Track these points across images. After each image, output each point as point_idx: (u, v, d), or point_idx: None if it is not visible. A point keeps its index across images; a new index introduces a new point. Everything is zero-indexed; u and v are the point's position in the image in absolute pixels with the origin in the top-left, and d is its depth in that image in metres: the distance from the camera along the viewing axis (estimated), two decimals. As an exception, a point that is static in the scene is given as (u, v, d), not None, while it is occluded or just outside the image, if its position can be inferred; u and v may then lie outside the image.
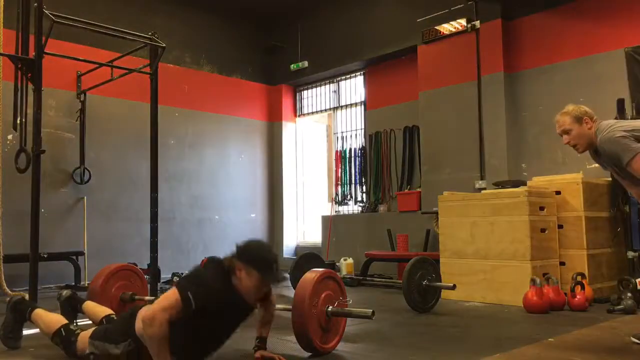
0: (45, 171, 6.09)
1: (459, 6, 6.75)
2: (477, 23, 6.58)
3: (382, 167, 8.03)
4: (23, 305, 3.16)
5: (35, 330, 3.11)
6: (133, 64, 5.91)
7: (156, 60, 5.35)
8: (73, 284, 6.42)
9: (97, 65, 6.08)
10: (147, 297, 3.74)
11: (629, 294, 4.30)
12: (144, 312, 2.48)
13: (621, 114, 5.15)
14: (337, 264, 7.34)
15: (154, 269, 5.21)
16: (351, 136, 8.65)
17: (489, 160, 6.46)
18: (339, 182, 8.66)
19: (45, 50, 4.32)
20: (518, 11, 6.47)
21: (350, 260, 7.36)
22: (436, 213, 5.96)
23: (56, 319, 2.95)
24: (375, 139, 8.12)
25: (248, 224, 8.83)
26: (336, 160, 8.77)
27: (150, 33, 5.36)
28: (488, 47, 6.53)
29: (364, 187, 8.33)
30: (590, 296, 4.59)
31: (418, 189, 7.39)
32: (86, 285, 5.84)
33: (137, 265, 4.42)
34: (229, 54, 8.95)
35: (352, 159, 8.53)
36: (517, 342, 3.25)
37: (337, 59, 8.47)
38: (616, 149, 2.99)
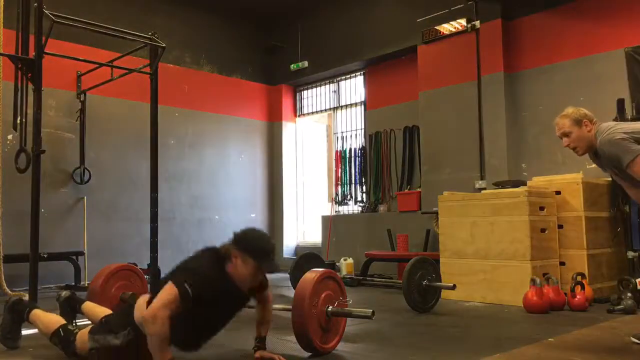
0: (45, 171, 6.09)
1: (459, 6, 6.75)
2: (477, 23, 6.58)
3: (382, 167, 8.03)
4: (21, 306, 3.16)
5: (35, 330, 3.11)
6: (133, 64, 5.91)
7: (156, 60, 5.35)
8: (73, 284, 6.42)
9: (97, 65, 6.08)
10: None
11: (629, 294, 4.30)
12: (142, 300, 2.53)
13: (621, 114, 5.14)
14: (337, 264, 7.34)
15: (154, 269, 5.21)
16: (351, 136, 8.65)
17: (489, 160, 6.46)
18: (339, 182, 8.66)
19: (45, 50, 4.32)
20: (518, 11, 6.47)
21: (350, 260, 7.36)
22: (436, 213, 5.96)
23: (55, 320, 2.95)
24: (375, 139, 8.12)
25: (248, 224, 8.70)
26: (336, 160, 8.77)
27: (150, 33, 5.36)
28: (488, 47, 6.53)
29: (364, 187, 8.33)
30: (590, 296, 4.59)
31: (418, 189, 7.39)
32: (86, 285, 5.84)
33: (137, 265, 4.42)
34: (229, 54, 8.95)
35: (352, 159, 8.53)
36: (517, 342, 3.25)
37: (337, 59, 8.47)
38: (616, 150, 2.99)
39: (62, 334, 2.81)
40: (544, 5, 6.28)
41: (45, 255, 5.73)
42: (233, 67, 9.00)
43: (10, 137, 6.08)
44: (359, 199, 8.40)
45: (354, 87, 8.75)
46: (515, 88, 6.46)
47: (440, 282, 4.65)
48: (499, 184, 5.70)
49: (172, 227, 7.82)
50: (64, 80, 6.85)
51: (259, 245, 2.57)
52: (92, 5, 7.19)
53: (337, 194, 8.67)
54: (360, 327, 3.77)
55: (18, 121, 4.84)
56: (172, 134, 7.93)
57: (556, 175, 5.41)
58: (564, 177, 5.27)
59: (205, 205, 8.37)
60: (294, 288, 3.31)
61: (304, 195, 9.49)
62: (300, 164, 9.53)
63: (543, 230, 4.91)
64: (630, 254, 5.03)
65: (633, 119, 5.14)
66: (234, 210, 8.66)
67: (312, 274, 3.06)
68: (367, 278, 6.40)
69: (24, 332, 3.24)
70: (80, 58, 5.49)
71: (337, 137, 8.86)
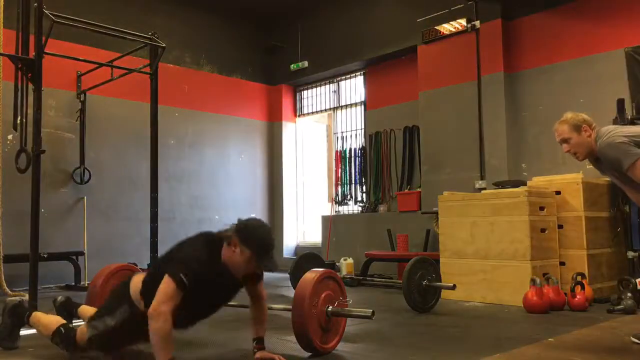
0: (45, 171, 6.09)
1: (459, 6, 6.75)
2: (477, 23, 6.58)
3: (382, 167, 8.03)
4: (21, 309, 3.16)
5: (34, 331, 3.11)
6: (133, 64, 5.91)
7: (156, 60, 5.35)
8: (73, 284, 6.42)
9: (97, 65, 6.09)
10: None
11: (629, 294, 4.30)
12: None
13: (621, 114, 5.14)
14: (337, 264, 7.34)
15: (154, 269, 5.20)
16: (351, 136, 8.65)
17: (489, 160, 6.46)
18: (339, 182, 8.66)
19: (45, 50, 4.31)
20: (518, 11, 6.47)
21: (350, 260, 7.35)
22: (436, 213, 5.96)
23: (55, 320, 2.96)
24: (375, 139, 8.12)
25: (248, 224, 8.80)
26: (336, 160, 8.77)
27: (150, 33, 5.36)
28: (488, 47, 6.53)
29: (364, 187, 8.33)
30: (590, 296, 4.59)
31: (418, 189, 7.39)
32: (86, 285, 5.84)
33: (137, 265, 4.42)
34: (229, 54, 8.95)
35: (352, 159, 8.53)
36: (517, 342, 3.25)
37: (337, 59, 8.47)
38: (617, 154, 2.98)
39: (63, 331, 2.83)
40: (544, 5, 6.28)
41: (45, 255, 5.74)
42: (233, 67, 9.00)
43: (10, 137, 6.08)
44: (359, 199, 8.40)
45: (354, 87, 8.75)
46: (515, 88, 6.46)
47: (440, 282, 4.64)
48: (499, 184, 5.70)
49: (172, 227, 7.80)
50: (64, 80, 6.86)
51: (260, 239, 2.56)
52: (92, 5, 7.19)
53: (337, 194, 8.67)
54: (360, 327, 3.77)
55: (18, 121, 4.83)
56: (172, 134, 7.93)
57: (556, 175, 5.41)
58: (564, 177, 5.27)
59: (205, 205, 8.37)
60: (294, 288, 3.31)
61: (304, 195, 9.49)
62: (300, 164, 9.53)
63: (543, 230, 4.91)
64: (630, 254, 5.03)
65: (633, 119, 5.14)
66: (234, 210, 8.65)
67: (312, 274, 3.05)
68: (367, 278, 6.39)
69: (25, 332, 3.24)
70: (80, 58, 5.49)
71: (337, 137, 8.86)
